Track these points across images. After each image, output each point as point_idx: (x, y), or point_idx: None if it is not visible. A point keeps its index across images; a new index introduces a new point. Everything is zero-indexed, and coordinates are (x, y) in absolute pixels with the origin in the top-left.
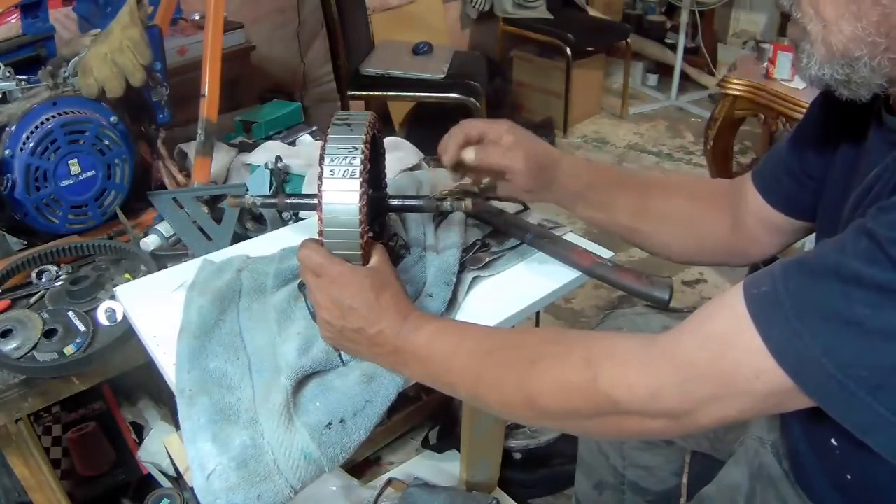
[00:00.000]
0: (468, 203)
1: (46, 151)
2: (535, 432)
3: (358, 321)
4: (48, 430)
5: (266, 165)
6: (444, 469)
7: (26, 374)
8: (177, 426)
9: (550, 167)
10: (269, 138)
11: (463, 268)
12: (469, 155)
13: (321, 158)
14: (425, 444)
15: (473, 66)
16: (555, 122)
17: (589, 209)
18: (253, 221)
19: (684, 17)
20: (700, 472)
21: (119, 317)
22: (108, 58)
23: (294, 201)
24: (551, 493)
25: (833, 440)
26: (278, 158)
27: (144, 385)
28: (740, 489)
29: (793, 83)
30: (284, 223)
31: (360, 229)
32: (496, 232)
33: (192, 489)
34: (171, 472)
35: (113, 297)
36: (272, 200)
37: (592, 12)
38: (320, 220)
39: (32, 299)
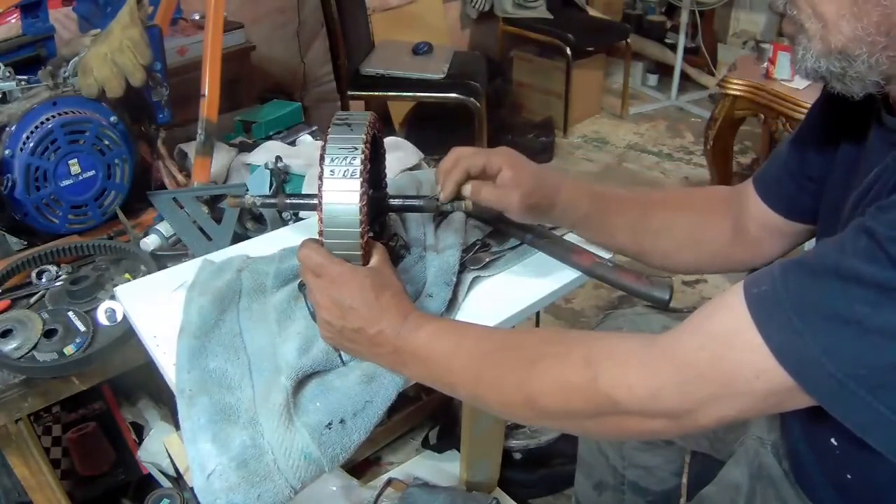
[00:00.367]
0: (468, 203)
1: (46, 151)
2: (535, 432)
3: (358, 321)
4: (48, 430)
5: (266, 165)
6: (444, 469)
7: (26, 374)
8: (177, 426)
9: (547, 200)
10: (269, 138)
11: (463, 268)
12: (465, 191)
13: (321, 158)
14: (425, 444)
15: (473, 66)
16: (555, 122)
17: (588, 232)
18: (253, 221)
19: (684, 17)
20: (700, 472)
21: (119, 317)
22: (108, 58)
23: (294, 201)
24: (551, 493)
25: (833, 440)
26: (278, 158)
27: (144, 385)
28: (740, 489)
29: (793, 83)
30: (284, 223)
31: (360, 229)
32: (496, 232)
33: (192, 489)
34: (171, 472)
35: (113, 297)
36: (272, 200)
37: (592, 12)
38: (320, 220)
39: (32, 299)
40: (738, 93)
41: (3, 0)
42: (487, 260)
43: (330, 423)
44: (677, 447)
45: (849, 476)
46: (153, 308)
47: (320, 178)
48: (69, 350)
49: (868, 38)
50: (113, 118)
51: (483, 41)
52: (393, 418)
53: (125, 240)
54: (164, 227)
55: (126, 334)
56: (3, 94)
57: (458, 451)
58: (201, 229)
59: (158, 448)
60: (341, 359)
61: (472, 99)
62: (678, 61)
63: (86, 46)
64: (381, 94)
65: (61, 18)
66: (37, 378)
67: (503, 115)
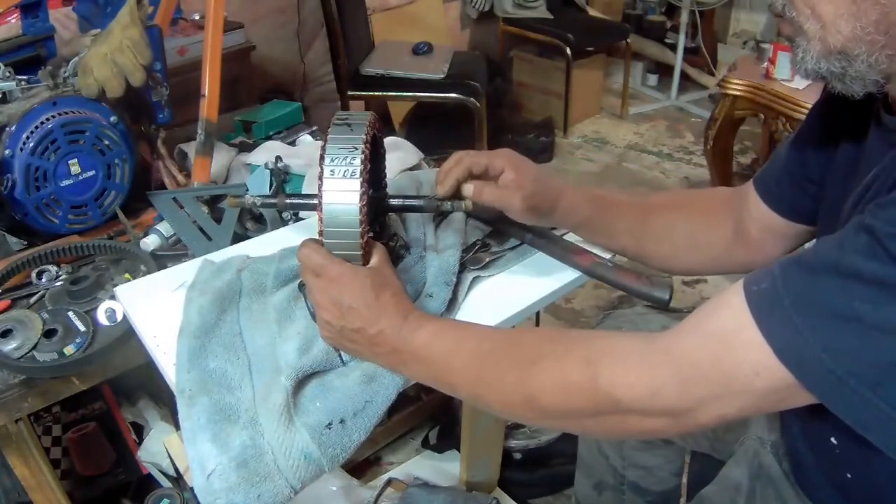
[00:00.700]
0: (468, 203)
1: (46, 151)
2: (535, 432)
3: (358, 321)
4: (48, 430)
5: (266, 165)
6: (444, 469)
7: (26, 374)
8: (177, 426)
9: (549, 202)
10: (269, 138)
11: (463, 268)
12: (467, 191)
13: (321, 158)
14: (425, 444)
15: (473, 66)
16: (555, 122)
17: (589, 235)
18: (253, 221)
19: (684, 17)
20: (700, 472)
21: (119, 317)
22: (108, 58)
23: (294, 201)
24: (551, 493)
25: (833, 439)
26: (278, 158)
27: (144, 385)
28: (740, 489)
29: (793, 83)
30: (284, 223)
31: (360, 229)
32: (496, 232)
33: (192, 489)
34: (171, 472)
35: (113, 297)
36: (272, 200)
37: (592, 12)
38: (320, 220)
39: (32, 299)
40: (738, 93)
41: (4, 0)
42: (487, 260)
43: (330, 423)
44: (677, 447)
45: (848, 475)
46: (153, 308)
47: (320, 178)
48: (69, 350)
49: (867, 38)
50: (113, 118)
51: (483, 41)
52: (393, 418)
53: (125, 240)
54: (164, 227)
55: (126, 334)
56: (3, 94)
57: (458, 451)
58: (201, 229)
59: (158, 448)
60: (341, 359)
61: (472, 99)
62: (678, 61)
63: (86, 46)
64: (380, 94)
65: (61, 18)
66: (37, 378)
67: (503, 115)
